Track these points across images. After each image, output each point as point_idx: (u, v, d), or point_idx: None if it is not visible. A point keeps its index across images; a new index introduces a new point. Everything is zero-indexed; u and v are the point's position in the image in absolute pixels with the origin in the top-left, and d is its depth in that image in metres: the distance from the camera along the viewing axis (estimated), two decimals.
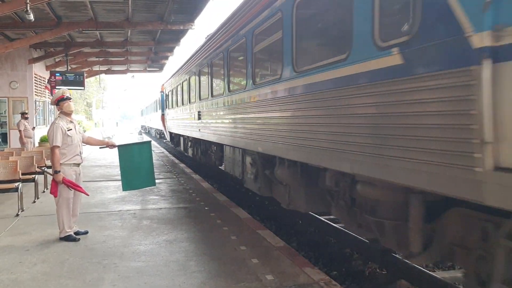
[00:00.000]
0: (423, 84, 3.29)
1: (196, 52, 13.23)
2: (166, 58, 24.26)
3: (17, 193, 8.14)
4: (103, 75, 34.34)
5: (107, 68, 27.94)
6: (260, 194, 7.99)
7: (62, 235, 6.36)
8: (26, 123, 16.44)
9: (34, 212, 8.37)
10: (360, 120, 4.13)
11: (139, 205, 8.95)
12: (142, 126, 57.14)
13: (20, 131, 15.94)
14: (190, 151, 16.88)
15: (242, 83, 8.29)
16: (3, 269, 5.15)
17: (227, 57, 9.16)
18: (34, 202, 9.26)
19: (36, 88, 20.16)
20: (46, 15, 14.15)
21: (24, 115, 16.65)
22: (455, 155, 3.02)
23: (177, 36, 18.52)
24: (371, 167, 3.99)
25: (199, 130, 12.72)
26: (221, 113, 9.89)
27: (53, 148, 6.21)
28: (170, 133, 22.46)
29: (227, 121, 9.39)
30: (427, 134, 3.27)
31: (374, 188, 4.35)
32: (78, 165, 6.56)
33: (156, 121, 29.84)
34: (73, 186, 6.36)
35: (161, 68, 27.97)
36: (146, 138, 39.65)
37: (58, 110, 6.57)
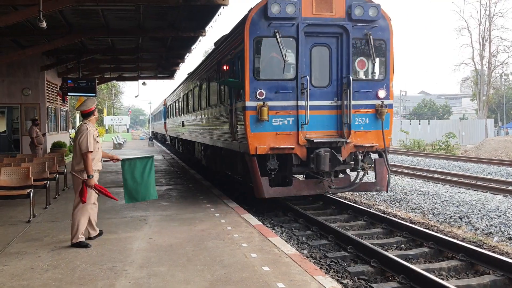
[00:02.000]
0: (224, 117, 10.86)
1: (180, 84, 21.83)
2: (177, 65, 24.32)
3: (28, 199, 8.19)
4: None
5: (118, 74, 28.09)
6: (206, 166, 15.55)
7: (74, 241, 6.36)
8: (38, 130, 16.62)
9: (45, 218, 8.42)
10: (220, 127, 11.36)
11: (150, 211, 8.96)
12: (152, 132, 57.62)
13: (32, 138, 16.12)
14: (180, 148, 24.36)
15: (196, 106, 15.78)
16: (14, 275, 5.17)
17: (191, 93, 17.22)
18: (46, 208, 9.32)
19: (48, 95, 20.35)
20: (58, 23, 14.30)
21: (35, 122, 16.83)
22: (230, 137, 10.23)
23: (188, 43, 18.56)
24: (224, 144, 10.98)
25: (183, 133, 20.00)
26: (192, 123, 16.98)
27: (87, 154, 6.30)
28: (169, 137, 30.11)
29: (194, 127, 16.37)
30: (228, 132, 10.40)
31: (227, 152, 11.30)
32: (99, 171, 6.75)
33: (161, 127, 37.69)
34: (104, 191, 6.47)
35: (172, 75, 28.00)
36: (156, 143, 39.82)
37: (88, 118, 6.66)
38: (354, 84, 9.02)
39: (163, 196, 10.70)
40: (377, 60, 9.39)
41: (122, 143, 35.96)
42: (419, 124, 51.25)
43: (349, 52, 9.11)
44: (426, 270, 6.14)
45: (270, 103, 8.75)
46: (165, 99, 31.42)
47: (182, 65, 24.68)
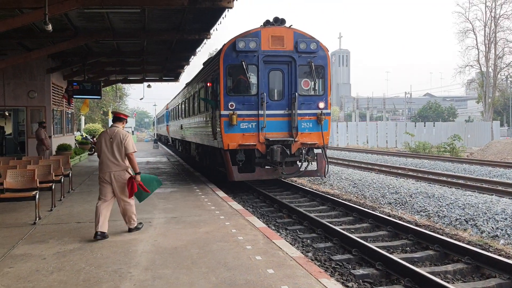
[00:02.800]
0: (209, 121, 13.98)
1: (179, 92, 25.74)
2: (182, 67, 24.36)
3: (34, 201, 8.22)
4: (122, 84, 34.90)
5: (123, 77, 28.17)
6: (199, 161, 18.66)
7: (135, 225, 7.37)
8: (45, 132, 16.77)
9: (51, 220, 8.44)
10: (207, 129, 14.54)
11: (155, 214, 8.97)
12: (156, 134, 57.88)
13: (42, 139, 16.33)
14: (180, 148, 28.09)
15: (191, 112, 18.97)
16: (20, 278, 5.18)
17: (187, 100, 20.58)
18: (51, 210, 9.34)
19: (54, 97, 20.44)
20: (64, 26, 14.37)
21: (42, 124, 16.95)
22: (212, 137, 13.54)
23: (192, 46, 18.58)
24: (209, 142, 14.40)
25: (182, 135, 23.71)
26: (188, 126, 20.58)
27: (133, 153, 7.14)
28: (171, 138, 34.49)
29: (190, 130, 19.81)
30: (211, 133, 13.68)
31: (211, 148, 14.58)
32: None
33: (164, 130, 41.47)
34: (143, 186, 7.21)
35: (176, 77, 28.06)
36: (161, 146, 39.86)
37: (120, 124, 7.34)
38: (300, 98, 12.38)
39: (167, 198, 10.71)
40: (317, 80, 12.73)
41: None
42: (424, 126, 51.10)
43: (296, 75, 12.42)
44: (432, 273, 6.11)
45: (238, 112, 12.04)
46: (168, 104, 36.01)
47: (186, 68, 24.75)
